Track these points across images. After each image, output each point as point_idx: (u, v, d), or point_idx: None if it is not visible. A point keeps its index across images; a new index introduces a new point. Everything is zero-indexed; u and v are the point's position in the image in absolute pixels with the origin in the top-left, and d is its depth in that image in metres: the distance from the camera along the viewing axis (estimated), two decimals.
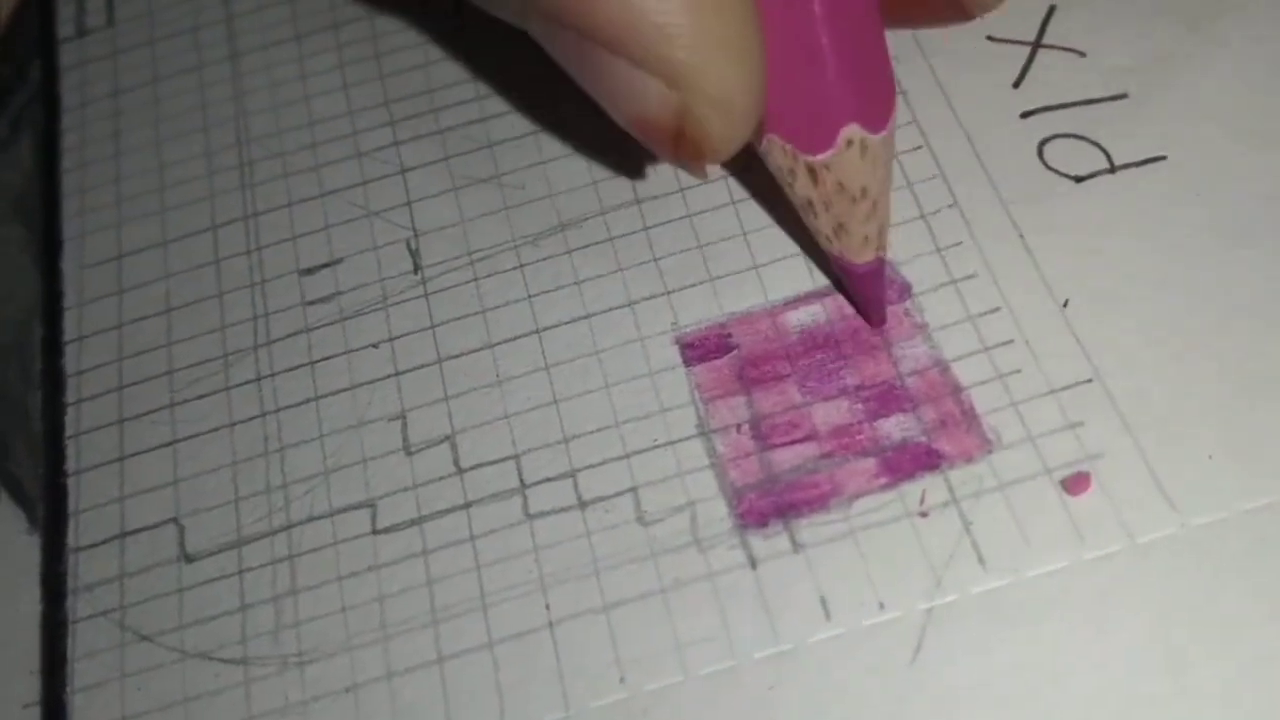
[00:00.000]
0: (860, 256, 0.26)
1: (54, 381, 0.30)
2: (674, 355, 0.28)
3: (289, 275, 0.31)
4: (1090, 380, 0.26)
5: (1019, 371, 0.27)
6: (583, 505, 0.27)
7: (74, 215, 0.33)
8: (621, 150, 0.31)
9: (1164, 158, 0.29)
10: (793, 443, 0.27)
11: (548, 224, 0.31)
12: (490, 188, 0.32)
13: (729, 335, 0.28)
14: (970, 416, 0.26)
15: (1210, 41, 0.30)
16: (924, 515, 0.25)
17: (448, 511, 0.27)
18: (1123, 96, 0.30)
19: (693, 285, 0.29)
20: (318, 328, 0.30)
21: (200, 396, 0.30)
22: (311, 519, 0.28)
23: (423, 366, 0.29)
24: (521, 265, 0.30)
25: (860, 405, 0.27)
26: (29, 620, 0.28)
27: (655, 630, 0.25)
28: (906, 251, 0.29)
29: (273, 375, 0.30)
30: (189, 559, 0.28)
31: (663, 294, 0.29)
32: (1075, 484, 0.25)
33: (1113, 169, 0.29)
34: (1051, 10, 0.31)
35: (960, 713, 0.24)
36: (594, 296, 0.29)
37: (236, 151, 0.33)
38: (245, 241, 0.32)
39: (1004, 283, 0.28)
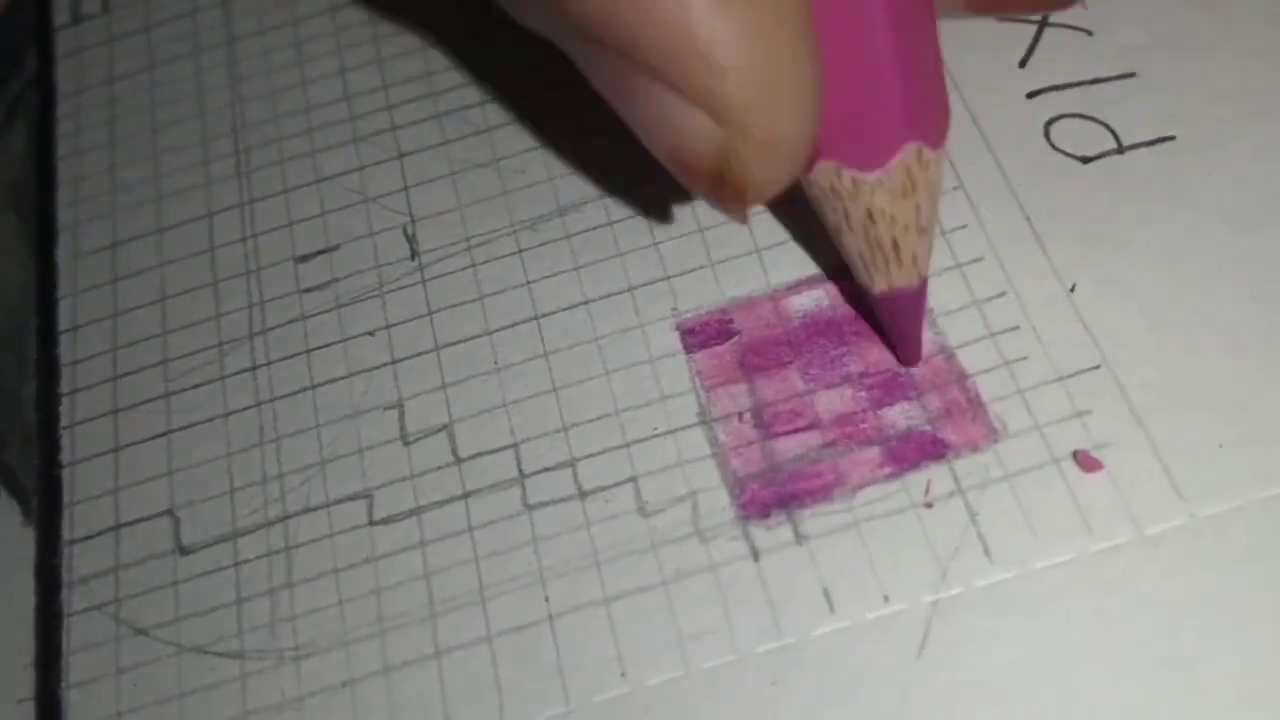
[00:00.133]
0: (906, 279, 0.25)
1: (48, 371, 0.30)
2: (674, 341, 0.28)
3: (284, 262, 0.31)
4: (1098, 367, 0.26)
5: (1025, 358, 0.26)
6: (582, 495, 0.26)
7: (69, 204, 0.33)
8: (622, 136, 0.30)
9: (1173, 138, 0.28)
10: (795, 431, 0.26)
11: (546, 209, 0.30)
12: (488, 172, 0.31)
13: (730, 321, 0.28)
14: (976, 404, 0.26)
15: (1219, 19, 0.29)
16: (929, 506, 0.25)
17: (446, 502, 0.27)
18: (1131, 75, 0.29)
19: (693, 270, 0.29)
20: (313, 315, 0.30)
21: (195, 386, 0.29)
22: (308, 510, 0.27)
23: (420, 354, 0.29)
24: (520, 250, 0.30)
25: (864, 393, 0.26)
26: (24, 613, 0.27)
27: (656, 623, 0.25)
28: None
29: (268, 364, 0.29)
30: (184, 551, 0.27)
31: (663, 279, 0.29)
32: (1088, 461, 0.25)
33: (1121, 149, 0.28)
34: None
35: (966, 707, 0.23)
36: (593, 282, 0.29)
37: (232, 138, 0.33)
38: (241, 228, 0.31)
39: (1010, 267, 0.27)
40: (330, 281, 0.30)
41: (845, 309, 0.27)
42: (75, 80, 0.35)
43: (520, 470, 0.27)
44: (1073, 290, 0.27)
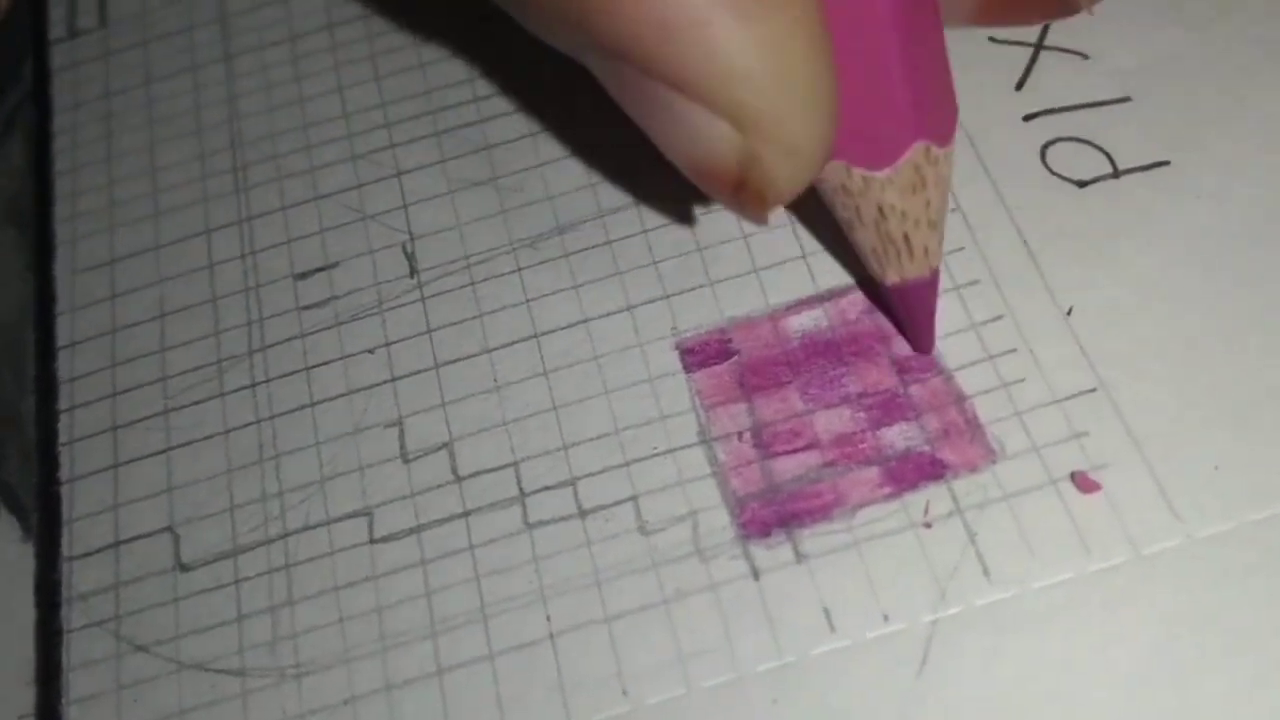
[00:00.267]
0: (918, 270, 0.26)
1: (47, 388, 0.30)
2: (674, 361, 0.28)
3: (284, 280, 0.31)
4: (1095, 390, 0.26)
5: (1023, 380, 0.26)
6: (583, 514, 0.27)
7: (66, 219, 0.33)
8: (620, 154, 0.31)
9: (1168, 162, 0.28)
10: (795, 451, 0.27)
11: (545, 227, 0.30)
12: (487, 190, 0.31)
13: (729, 341, 0.28)
14: (974, 426, 0.26)
15: (1214, 44, 0.30)
16: (928, 526, 0.25)
17: (446, 520, 0.27)
18: (1126, 99, 0.29)
19: (692, 289, 0.29)
20: (313, 333, 0.30)
21: (195, 403, 0.29)
22: (308, 528, 0.27)
23: (419, 372, 0.29)
24: (519, 269, 0.30)
25: (863, 413, 0.27)
26: (23, 630, 0.27)
27: (657, 642, 0.25)
28: None
29: (268, 381, 0.29)
30: (184, 568, 0.27)
31: (662, 298, 0.29)
32: (1085, 482, 0.25)
33: (1116, 173, 0.28)
34: None
35: None
36: (592, 301, 0.29)
37: (230, 154, 0.33)
38: (239, 246, 0.32)
39: (1007, 290, 0.28)
40: (329, 299, 0.30)
41: (844, 329, 0.28)
42: (72, 94, 0.35)
43: (520, 489, 0.27)
44: (1069, 313, 0.27)
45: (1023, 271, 0.28)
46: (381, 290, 0.30)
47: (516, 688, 0.25)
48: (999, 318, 0.27)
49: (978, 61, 0.31)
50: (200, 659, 0.26)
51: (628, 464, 0.27)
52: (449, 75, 0.33)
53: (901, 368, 0.27)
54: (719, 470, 0.27)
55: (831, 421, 0.27)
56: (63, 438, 0.29)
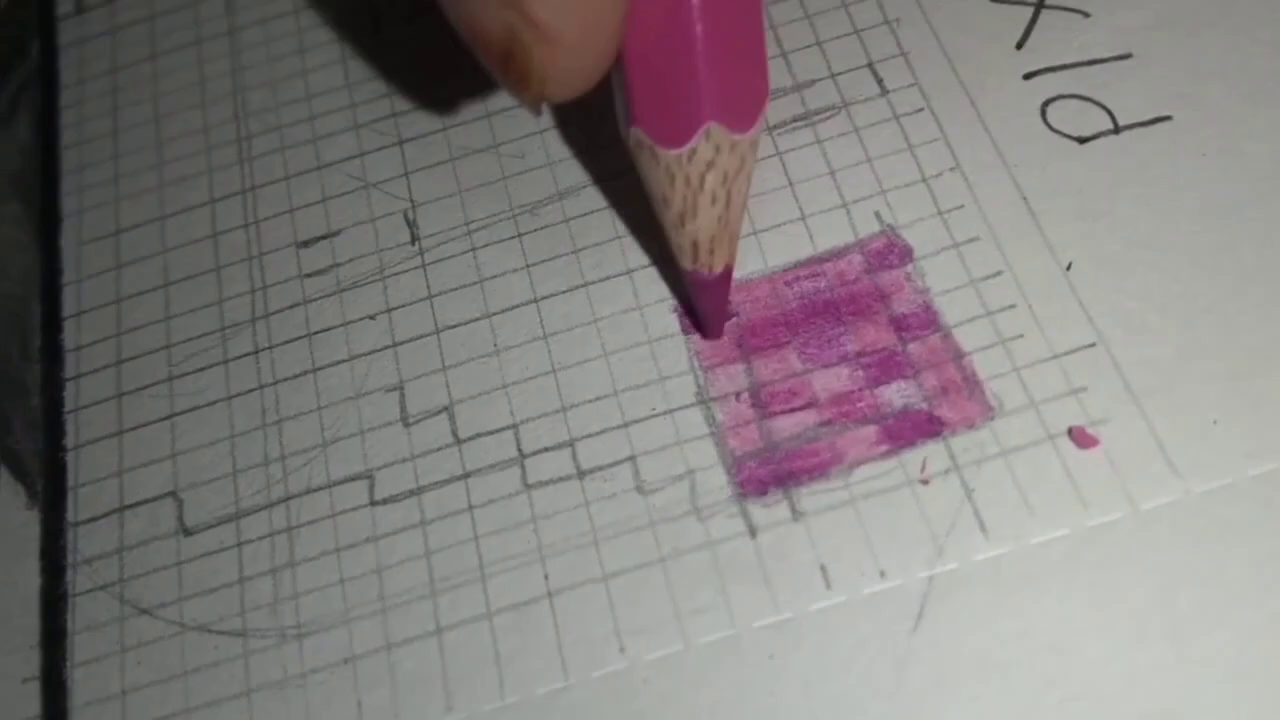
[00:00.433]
0: (706, 264, 0.25)
1: (53, 357, 0.30)
2: (673, 323, 0.28)
3: (286, 248, 0.31)
4: (1094, 345, 0.26)
5: (1021, 336, 0.26)
6: (581, 475, 0.27)
7: (72, 191, 0.33)
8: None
9: (1169, 118, 0.28)
10: (793, 410, 0.26)
11: (546, 193, 0.30)
12: (488, 157, 0.31)
13: (729, 303, 0.28)
14: (972, 382, 0.26)
15: (1215, 0, 0.29)
16: (925, 483, 0.25)
17: (446, 482, 0.27)
18: (1127, 56, 0.29)
19: None
20: (315, 300, 0.30)
21: (198, 370, 0.30)
22: (310, 491, 0.28)
23: (420, 337, 0.29)
24: (519, 234, 0.30)
25: (861, 372, 0.27)
26: (29, 595, 0.28)
27: (655, 600, 0.25)
28: (908, 215, 0.28)
29: (270, 348, 0.29)
30: (188, 532, 0.28)
31: (661, 260, 0.29)
32: (1083, 438, 0.25)
33: (1117, 130, 0.28)
34: None
35: (962, 681, 0.23)
36: (592, 265, 0.29)
37: (234, 126, 0.33)
38: (243, 215, 0.32)
39: (1006, 246, 0.27)
40: (332, 266, 0.30)
41: (843, 289, 0.28)
42: (78, 70, 0.35)
43: (520, 450, 0.27)
44: (1069, 269, 0.27)
45: (1022, 227, 0.27)
46: (383, 257, 0.30)
47: (515, 645, 0.25)
48: (998, 273, 0.27)
49: (978, 21, 0.30)
50: (203, 621, 0.27)
51: (626, 425, 0.27)
52: (449, 44, 0.33)
53: (900, 326, 0.27)
54: (717, 430, 0.27)
55: (829, 381, 0.27)
56: (68, 405, 0.30)
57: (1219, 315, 0.26)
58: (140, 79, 0.35)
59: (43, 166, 0.34)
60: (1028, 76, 0.29)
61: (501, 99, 0.32)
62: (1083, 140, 0.28)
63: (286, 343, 0.30)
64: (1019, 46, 0.30)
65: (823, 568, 0.25)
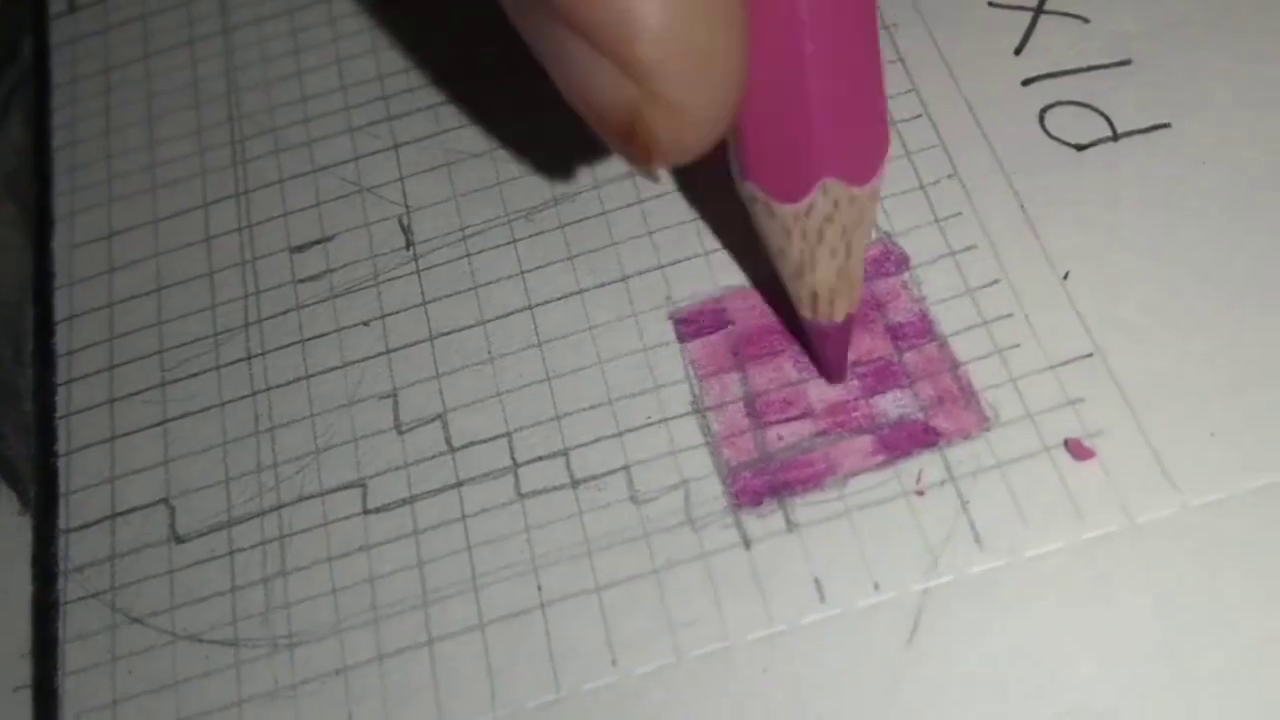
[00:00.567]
0: (826, 314, 0.25)
1: (45, 361, 0.30)
2: (668, 331, 0.28)
3: (280, 253, 0.31)
4: (1091, 355, 0.26)
5: (1018, 346, 0.26)
6: (575, 484, 0.26)
7: (65, 193, 0.33)
8: None
9: (1168, 125, 0.28)
10: (788, 420, 0.26)
11: (541, 198, 0.30)
12: (483, 162, 0.31)
13: (724, 310, 0.28)
14: (968, 393, 0.26)
15: (1213, 6, 0.29)
16: (920, 494, 0.25)
17: (439, 491, 0.27)
18: (1126, 63, 0.29)
19: (687, 259, 0.29)
20: (308, 305, 0.30)
21: (191, 375, 0.29)
22: (302, 499, 0.27)
23: (414, 344, 0.29)
24: (514, 240, 0.30)
25: (856, 381, 0.26)
26: (20, 602, 0.27)
27: (648, 612, 0.25)
28: (905, 222, 0.28)
29: (263, 354, 0.29)
30: (179, 540, 0.27)
31: (657, 268, 0.29)
32: (1079, 449, 0.25)
33: (1115, 137, 0.28)
34: None
35: (956, 696, 0.23)
36: (587, 271, 0.29)
37: (228, 128, 0.33)
38: (236, 219, 0.31)
39: (1004, 254, 0.27)
40: (325, 272, 0.30)
41: None
42: (71, 69, 0.35)
43: (513, 459, 0.27)
44: (1066, 278, 0.27)
45: (1020, 236, 0.27)
46: (377, 263, 0.30)
47: (507, 657, 0.25)
48: (995, 282, 0.27)
49: (977, 26, 0.30)
50: (195, 630, 0.26)
51: (620, 434, 0.27)
52: (445, 48, 0.33)
53: (896, 334, 0.27)
54: (712, 440, 0.26)
55: (825, 390, 0.27)
56: (60, 411, 0.30)
57: (1217, 326, 0.25)
58: (133, 79, 0.35)
59: (35, 168, 0.33)
60: (1026, 83, 0.29)
61: (498, 103, 0.32)
62: (1081, 148, 0.28)
63: (279, 349, 0.29)
64: (1017, 52, 0.30)
65: (817, 580, 0.25)
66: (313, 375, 0.29)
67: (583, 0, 0.20)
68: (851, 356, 0.27)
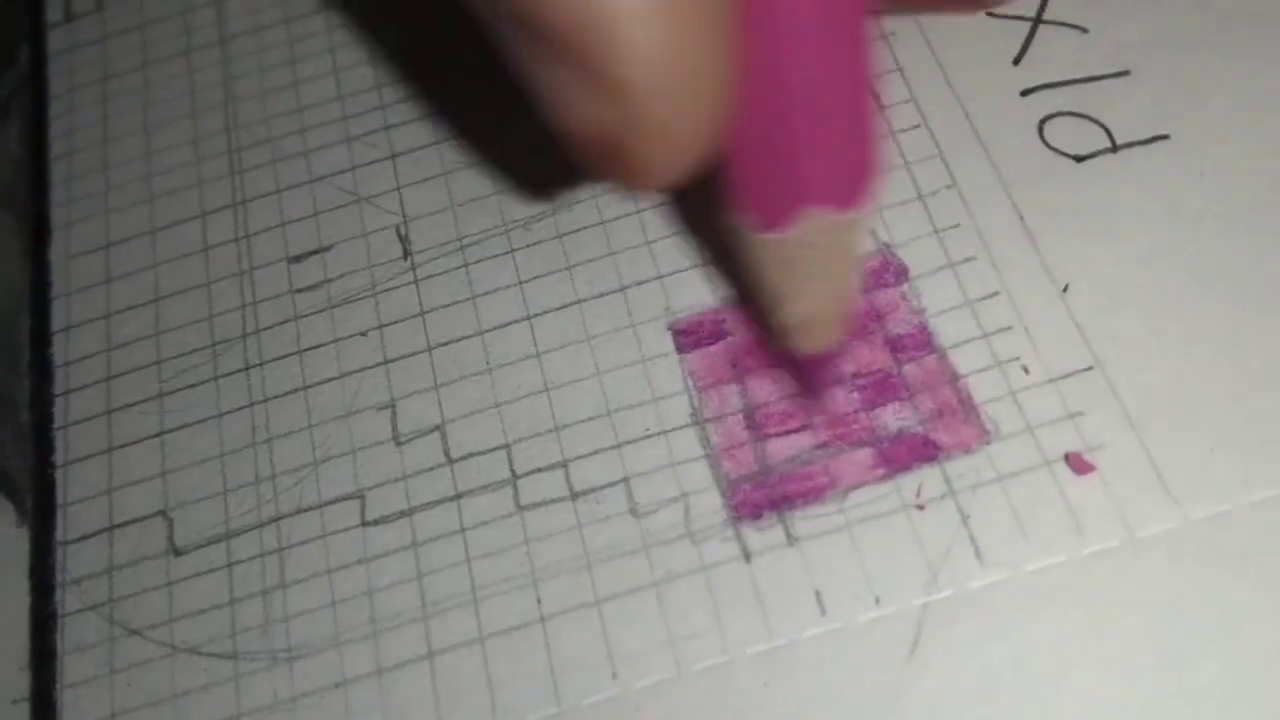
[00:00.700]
0: (809, 344, 0.24)
1: (42, 372, 0.30)
2: (667, 342, 0.28)
3: (278, 263, 0.31)
4: (1091, 368, 0.26)
5: (1018, 359, 0.26)
6: (574, 496, 0.26)
7: (62, 203, 0.33)
8: None
9: (1167, 136, 0.28)
10: (788, 433, 0.26)
11: (539, 208, 0.30)
12: (480, 171, 0.31)
13: (723, 321, 0.28)
14: (968, 406, 0.26)
15: (1213, 17, 0.29)
16: (921, 508, 0.25)
17: (438, 503, 0.27)
18: (1125, 73, 0.29)
19: (686, 269, 0.29)
20: (306, 315, 0.30)
21: (189, 386, 0.29)
22: (300, 511, 0.27)
23: (412, 354, 0.29)
24: (512, 250, 0.30)
25: (856, 394, 0.26)
26: (18, 614, 0.27)
27: (648, 625, 0.25)
28: (904, 233, 0.28)
29: (261, 364, 0.29)
30: (178, 552, 0.27)
31: (655, 278, 0.29)
32: (1080, 464, 0.25)
33: (1114, 148, 0.28)
34: None
35: (957, 709, 0.23)
36: (585, 281, 0.29)
37: (226, 138, 0.33)
38: (234, 229, 0.31)
39: (1003, 266, 0.27)
40: (323, 282, 0.30)
41: None
42: (68, 78, 0.35)
43: (512, 471, 0.27)
44: (1066, 290, 0.27)
45: (1019, 247, 0.27)
46: (375, 273, 0.30)
47: (507, 671, 0.25)
48: (994, 294, 0.27)
49: (975, 37, 0.30)
50: (193, 643, 0.26)
51: (619, 446, 0.27)
52: (444, 56, 0.33)
53: (895, 346, 0.27)
54: (711, 452, 0.26)
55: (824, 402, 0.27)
56: (58, 422, 0.29)
57: (1217, 339, 0.25)
58: (130, 88, 0.35)
59: (32, 177, 0.33)
60: (1025, 93, 0.29)
61: (495, 112, 0.32)
62: (1080, 159, 0.28)
63: (277, 359, 0.29)
64: (1016, 62, 0.30)
65: (817, 594, 0.25)
66: (310, 386, 0.29)
67: (560, 19, 0.19)
68: (851, 368, 0.27)
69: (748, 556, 0.25)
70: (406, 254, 0.30)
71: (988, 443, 0.25)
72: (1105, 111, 0.28)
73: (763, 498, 0.26)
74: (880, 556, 0.25)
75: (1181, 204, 0.27)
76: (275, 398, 0.29)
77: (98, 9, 0.36)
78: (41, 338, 0.31)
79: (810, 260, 0.22)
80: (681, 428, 0.27)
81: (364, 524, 0.27)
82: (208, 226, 0.32)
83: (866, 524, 0.25)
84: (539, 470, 0.27)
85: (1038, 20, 0.30)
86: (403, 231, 0.30)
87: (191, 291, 0.31)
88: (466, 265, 0.30)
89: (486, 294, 0.29)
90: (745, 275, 0.24)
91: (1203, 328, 0.26)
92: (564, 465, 0.27)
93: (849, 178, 0.21)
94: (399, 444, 0.28)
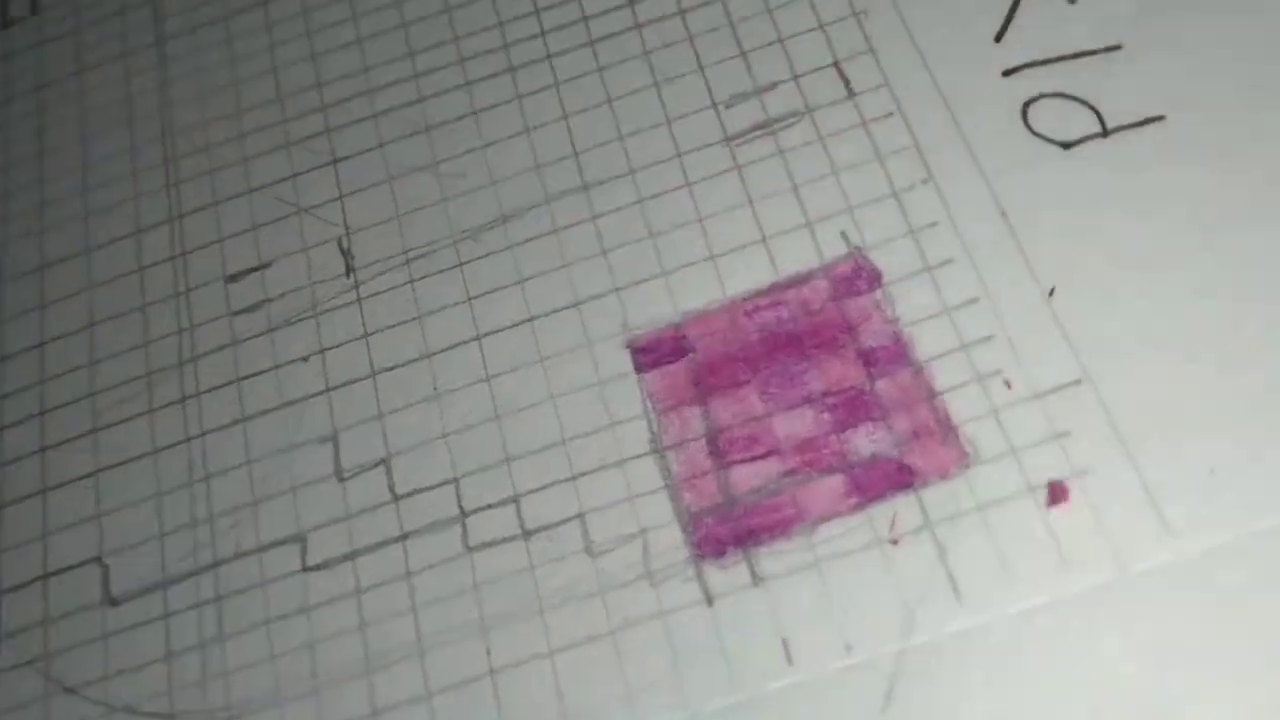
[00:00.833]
0: None
1: None
2: (624, 361, 0.26)
3: (214, 283, 0.29)
4: (1079, 382, 0.24)
5: (999, 372, 0.24)
6: (526, 535, 0.25)
7: None
8: (567, 131, 0.28)
9: (1162, 117, 0.26)
10: (753, 459, 0.24)
11: (489, 216, 0.28)
12: (427, 176, 0.29)
13: (684, 337, 0.26)
14: (945, 426, 0.24)
15: None
16: (895, 542, 0.23)
17: (382, 544, 0.25)
18: (1116, 48, 0.27)
19: (644, 281, 0.27)
20: (245, 340, 0.28)
21: (123, 420, 0.28)
22: (239, 555, 0.26)
23: (355, 381, 0.27)
24: (461, 263, 0.28)
25: (826, 414, 0.24)
26: None
27: (603, 676, 0.23)
28: (876, 234, 0.26)
29: (198, 394, 0.28)
30: (114, 602, 0.26)
31: (612, 291, 0.27)
32: (1063, 492, 0.23)
33: (1105, 132, 0.26)
34: None
35: None
36: (538, 296, 0.27)
37: (161, 146, 0.31)
38: (170, 246, 0.30)
39: (984, 269, 0.25)
40: (262, 302, 0.28)
41: (806, 320, 0.25)
42: (3, 89, 0.33)
43: (461, 508, 0.25)
44: (1052, 294, 0.24)
45: (1001, 247, 0.25)
46: (316, 291, 0.28)
47: None
48: (974, 300, 0.25)
49: (953, 9, 0.28)
50: (130, 701, 0.25)
51: (574, 478, 0.25)
52: (388, 49, 0.31)
53: (868, 360, 0.25)
54: (671, 483, 0.25)
55: (793, 424, 0.25)
56: None
57: (1217, 347, 0.23)
58: (66, 96, 0.33)
59: None
60: (1007, 73, 0.27)
61: (441, 109, 0.30)
62: (1067, 145, 0.26)
63: (214, 389, 0.28)
64: (998, 39, 0.27)
65: (784, 641, 0.23)
66: (249, 418, 0.27)
67: None
68: (821, 386, 0.25)
69: (710, 599, 0.23)
70: (349, 270, 0.28)
71: (967, 466, 0.23)
72: (1095, 92, 0.26)
73: (726, 533, 0.24)
74: (851, 598, 0.23)
75: (1178, 193, 0.25)
76: (212, 431, 0.27)
77: (33, 13, 0.34)
78: None
79: None
80: (640, 456, 0.25)
81: (305, 569, 0.25)
82: (143, 244, 0.30)
83: (837, 561, 0.23)
84: (489, 506, 0.25)
85: None
86: (345, 245, 0.29)
87: (126, 316, 0.29)
88: (412, 281, 0.28)
89: (433, 312, 0.27)
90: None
91: (1201, 334, 0.23)
92: (515, 500, 0.25)
93: None
94: (341, 479, 0.26)
